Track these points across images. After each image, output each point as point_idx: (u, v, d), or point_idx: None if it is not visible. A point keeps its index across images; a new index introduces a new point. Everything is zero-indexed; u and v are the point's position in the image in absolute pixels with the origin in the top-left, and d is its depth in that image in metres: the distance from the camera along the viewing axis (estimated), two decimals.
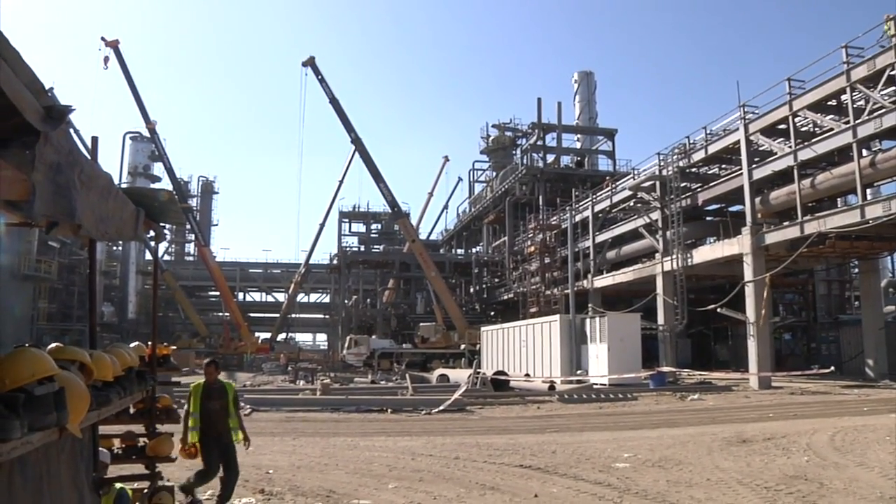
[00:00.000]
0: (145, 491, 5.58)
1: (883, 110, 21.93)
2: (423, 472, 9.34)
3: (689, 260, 31.74)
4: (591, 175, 55.00)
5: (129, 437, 6.17)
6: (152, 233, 5.20)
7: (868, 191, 24.93)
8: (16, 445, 2.25)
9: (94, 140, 4.32)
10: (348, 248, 68.77)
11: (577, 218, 41.38)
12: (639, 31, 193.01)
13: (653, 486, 8.36)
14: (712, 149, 31.18)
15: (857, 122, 22.69)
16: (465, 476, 9.07)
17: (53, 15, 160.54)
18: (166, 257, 74.72)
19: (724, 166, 34.08)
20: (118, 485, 4.94)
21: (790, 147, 25.76)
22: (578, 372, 27.74)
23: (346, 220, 74.63)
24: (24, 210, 2.28)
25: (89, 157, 3.29)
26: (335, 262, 63.85)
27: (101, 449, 4.81)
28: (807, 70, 28.29)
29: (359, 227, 77.90)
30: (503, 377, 26.54)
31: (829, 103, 25.59)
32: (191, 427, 6.87)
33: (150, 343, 6.19)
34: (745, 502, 7.53)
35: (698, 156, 32.38)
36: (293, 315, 66.80)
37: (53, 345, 3.53)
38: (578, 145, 63.13)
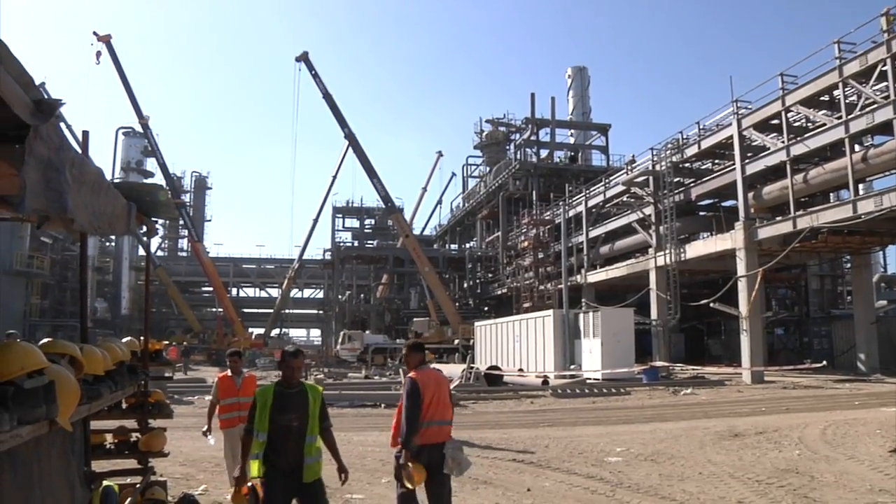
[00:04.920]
0: (137, 486, 5.57)
1: (875, 105, 21.98)
2: None
3: (683, 255, 31.83)
4: (585, 170, 54.95)
5: (122, 431, 6.16)
6: (145, 227, 5.19)
7: (860, 186, 25.05)
8: (4, 439, 2.24)
9: (85, 134, 4.32)
10: (342, 244, 68.67)
11: (571, 213, 41.36)
12: (633, 26, 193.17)
13: (645, 479, 8.40)
14: (705, 144, 31.21)
15: (849, 117, 22.76)
16: None
17: (47, 8, 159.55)
18: (160, 253, 74.39)
19: (717, 161, 34.12)
20: (105, 482, 4.92)
21: (783, 142, 25.82)
22: (572, 367, 27.79)
23: (340, 216, 74.62)
24: (15, 205, 2.28)
25: (80, 152, 3.28)
26: (329, 257, 63.73)
27: None
28: (799, 65, 28.55)
29: (352, 223, 77.92)
30: (497, 372, 26.60)
31: (822, 98, 25.66)
32: (252, 455, 4.61)
33: (142, 338, 6.19)
34: (736, 496, 7.58)
35: (691, 151, 32.40)
36: (287, 310, 66.58)
37: (45, 340, 3.52)
38: (572, 140, 63.09)
